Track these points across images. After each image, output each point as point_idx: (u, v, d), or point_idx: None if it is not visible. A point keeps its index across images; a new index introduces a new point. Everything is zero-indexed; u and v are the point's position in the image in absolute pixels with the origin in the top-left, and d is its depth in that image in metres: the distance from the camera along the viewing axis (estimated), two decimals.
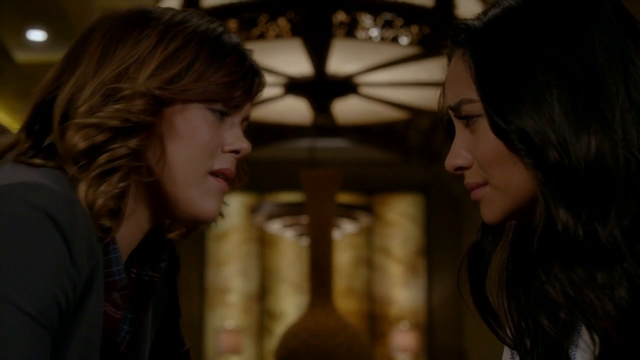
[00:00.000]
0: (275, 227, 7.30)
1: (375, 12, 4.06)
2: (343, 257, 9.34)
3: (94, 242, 0.98)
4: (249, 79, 1.10)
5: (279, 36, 4.25)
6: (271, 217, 6.99)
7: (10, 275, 0.90)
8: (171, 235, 1.17)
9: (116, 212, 1.02)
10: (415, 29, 4.13)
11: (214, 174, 1.09)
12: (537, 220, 0.95)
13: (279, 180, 8.73)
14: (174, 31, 1.07)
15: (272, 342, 8.42)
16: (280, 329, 8.34)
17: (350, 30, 4.07)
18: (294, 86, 4.98)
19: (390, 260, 9.72)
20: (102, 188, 1.00)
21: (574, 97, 0.94)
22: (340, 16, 4.09)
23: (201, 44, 1.07)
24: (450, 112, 1.04)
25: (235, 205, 9.31)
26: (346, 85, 4.88)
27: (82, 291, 0.96)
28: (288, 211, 6.86)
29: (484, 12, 1.03)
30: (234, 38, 1.11)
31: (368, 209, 7.49)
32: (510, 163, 0.98)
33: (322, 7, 4.24)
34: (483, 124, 1.00)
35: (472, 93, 1.00)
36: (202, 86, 1.06)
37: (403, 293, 9.64)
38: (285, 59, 4.65)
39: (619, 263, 0.91)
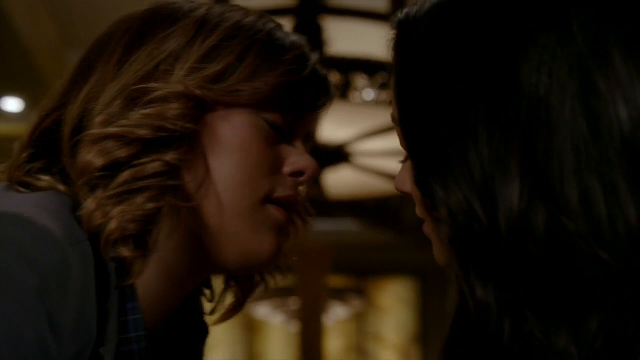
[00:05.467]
0: (262, 311, 7.18)
1: (371, 73, 3.82)
2: (334, 343, 9.16)
3: (92, 303, 0.74)
4: (313, 83, 0.88)
5: None
6: (259, 298, 6.81)
7: None
8: (213, 321, 0.95)
9: (139, 242, 0.79)
10: None
11: (274, 202, 0.85)
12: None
13: None
14: (216, 20, 0.83)
15: None
16: None
17: (344, 92, 3.81)
18: None
19: (382, 348, 9.60)
20: (119, 209, 0.77)
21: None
22: (335, 77, 3.86)
23: (252, 36, 0.83)
24: None
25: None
26: (338, 154, 4.65)
27: None
28: (277, 293, 6.64)
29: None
30: (293, 35, 0.87)
31: (360, 292, 7.50)
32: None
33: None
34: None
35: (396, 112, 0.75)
36: (254, 87, 0.82)
37: None
38: None
39: None
